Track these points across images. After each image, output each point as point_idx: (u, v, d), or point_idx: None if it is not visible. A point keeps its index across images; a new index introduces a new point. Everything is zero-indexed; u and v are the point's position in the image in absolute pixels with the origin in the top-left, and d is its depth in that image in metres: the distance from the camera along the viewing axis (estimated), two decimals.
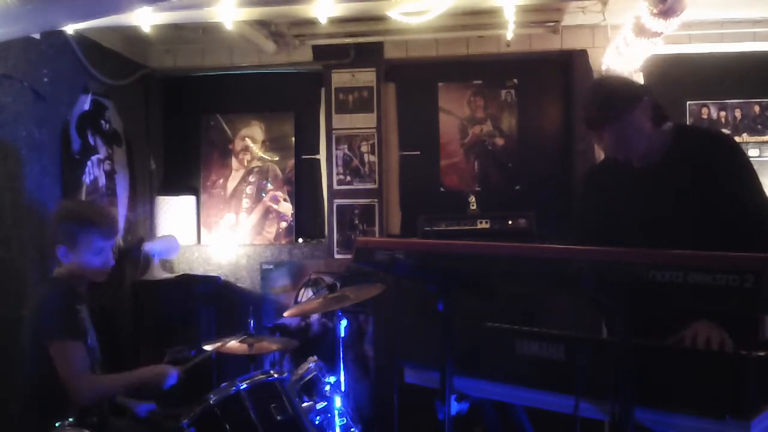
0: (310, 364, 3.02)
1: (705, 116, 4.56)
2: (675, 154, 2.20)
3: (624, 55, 3.86)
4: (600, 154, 4.43)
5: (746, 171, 2.17)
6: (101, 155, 4.02)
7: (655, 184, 2.22)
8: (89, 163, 3.88)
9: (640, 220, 2.22)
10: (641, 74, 4.35)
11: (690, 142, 2.22)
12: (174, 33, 4.19)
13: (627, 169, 2.28)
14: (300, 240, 4.69)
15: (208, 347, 3.16)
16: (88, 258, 2.51)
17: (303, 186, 4.76)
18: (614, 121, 2.15)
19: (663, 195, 2.20)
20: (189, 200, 4.72)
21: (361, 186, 4.57)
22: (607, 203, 2.34)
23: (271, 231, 4.72)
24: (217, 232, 4.74)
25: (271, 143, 4.78)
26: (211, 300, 4.37)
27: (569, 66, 4.54)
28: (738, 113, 4.54)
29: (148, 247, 4.37)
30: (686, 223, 2.13)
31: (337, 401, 3.02)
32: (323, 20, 3.59)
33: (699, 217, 2.12)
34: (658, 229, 2.17)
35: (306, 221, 4.75)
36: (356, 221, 4.56)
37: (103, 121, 4.07)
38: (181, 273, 4.58)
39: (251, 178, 4.77)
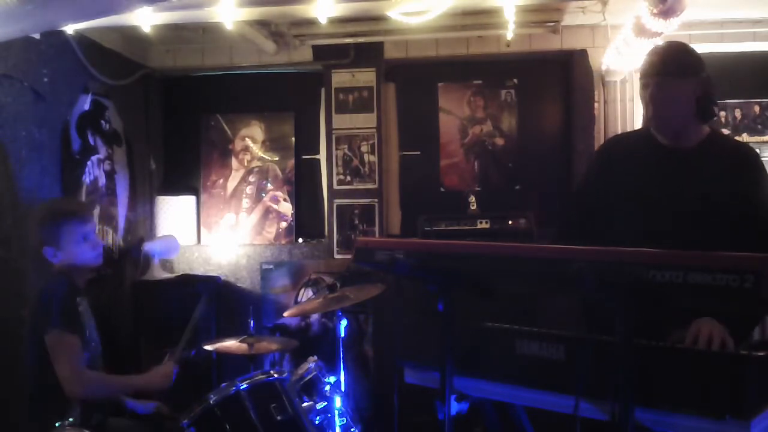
0: (310, 364, 3.02)
1: None
2: (706, 149, 2.23)
3: (624, 55, 3.86)
4: None
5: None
6: (101, 155, 4.02)
7: (679, 166, 2.22)
8: (89, 163, 3.88)
9: (654, 197, 2.22)
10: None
11: (720, 143, 2.27)
12: (174, 33, 4.19)
13: (653, 143, 2.28)
14: (300, 240, 4.69)
15: (208, 347, 3.16)
16: (76, 249, 2.51)
17: (303, 186, 4.76)
18: (674, 75, 2.16)
19: (685, 178, 2.20)
20: (189, 200, 4.72)
21: (361, 186, 4.57)
22: (621, 173, 2.32)
23: (271, 231, 4.72)
24: (217, 232, 4.74)
25: (271, 143, 4.78)
26: (211, 300, 4.36)
27: (569, 66, 4.54)
28: (738, 113, 4.54)
29: (148, 247, 4.37)
30: (696, 209, 2.14)
31: (337, 401, 3.02)
32: (323, 20, 3.59)
33: (711, 208, 2.13)
34: (665, 209, 2.18)
35: (306, 221, 4.75)
36: (356, 221, 4.56)
37: (103, 121, 4.07)
38: (181, 273, 4.58)
39: (251, 178, 4.77)
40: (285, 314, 3.36)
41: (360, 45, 4.45)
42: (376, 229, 4.54)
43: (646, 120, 2.32)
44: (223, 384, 2.63)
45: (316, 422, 2.86)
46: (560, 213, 2.53)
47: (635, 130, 2.47)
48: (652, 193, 2.24)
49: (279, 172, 4.76)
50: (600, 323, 1.55)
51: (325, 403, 2.95)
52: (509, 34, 4.12)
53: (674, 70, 2.18)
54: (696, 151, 2.23)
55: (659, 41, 3.47)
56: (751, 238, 2.06)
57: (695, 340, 1.86)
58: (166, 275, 4.43)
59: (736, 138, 4.22)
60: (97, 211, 3.92)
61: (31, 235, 2.59)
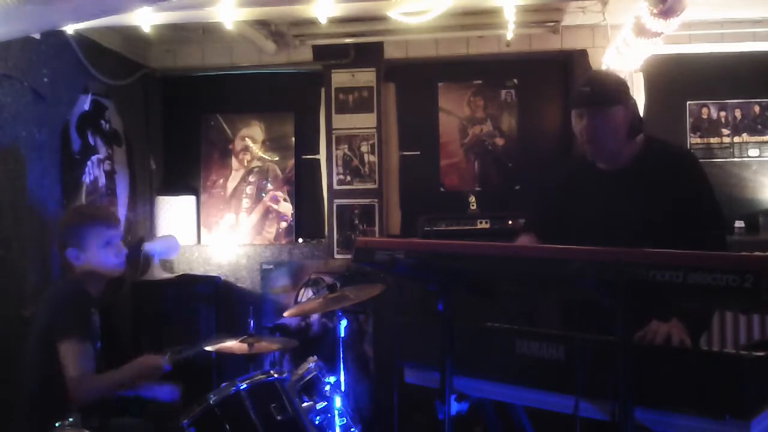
0: (310, 364, 3.02)
1: (705, 116, 4.56)
2: (643, 162, 2.30)
3: (624, 55, 3.86)
4: None
5: (706, 183, 2.29)
6: (101, 155, 4.02)
7: (619, 188, 2.29)
8: (89, 163, 3.88)
9: (600, 221, 2.27)
10: (641, 74, 4.36)
11: (658, 153, 2.32)
12: (174, 33, 4.19)
13: (592, 170, 2.37)
14: (300, 240, 4.69)
15: (208, 347, 3.16)
16: (98, 253, 2.54)
17: (303, 186, 4.76)
18: (601, 106, 2.24)
19: (626, 198, 2.27)
20: (189, 200, 4.72)
21: (361, 186, 4.57)
22: (568, 201, 2.41)
23: (271, 231, 4.72)
24: (217, 232, 4.74)
25: (271, 143, 4.78)
26: (211, 300, 4.36)
27: (569, 66, 4.54)
28: (738, 113, 4.54)
29: (148, 247, 4.36)
30: (643, 227, 2.19)
31: (337, 401, 3.01)
32: (323, 20, 3.59)
33: (657, 221, 2.19)
34: (617, 230, 2.21)
35: (306, 221, 4.75)
36: (356, 221, 4.56)
37: (103, 121, 4.07)
38: (181, 273, 4.58)
39: (251, 178, 4.77)
40: (285, 314, 3.36)
41: (360, 45, 4.45)
42: (376, 229, 4.54)
43: (582, 149, 2.38)
44: (223, 384, 2.62)
45: (316, 422, 2.86)
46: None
47: (575, 158, 2.55)
48: (596, 218, 2.29)
49: (279, 172, 4.76)
50: (581, 323, 1.56)
51: (325, 403, 2.94)
52: (509, 34, 4.12)
53: (606, 100, 2.24)
54: (631, 170, 2.30)
55: (659, 41, 3.48)
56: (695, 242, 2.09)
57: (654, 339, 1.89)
58: (166, 275, 4.43)
59: (740, 144, 4.28)
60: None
61: (57, 238, 2.62)
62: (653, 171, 2.26)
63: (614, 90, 2.27)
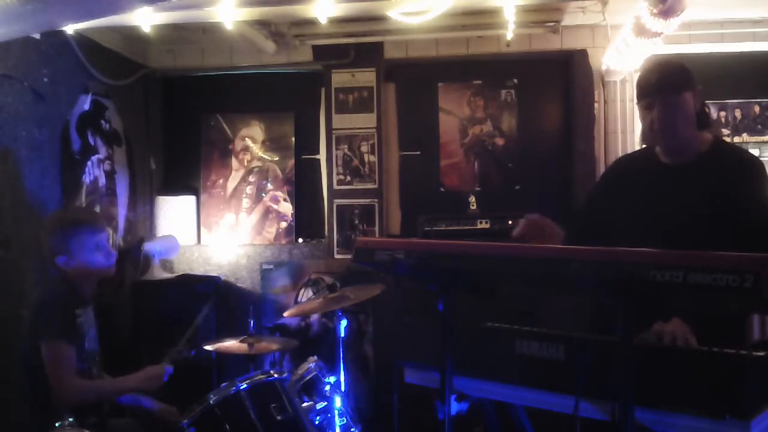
0: (310, 364, 3.02)
1: None
2: (707, 160, 2.24)
3: (624, 55, 3.86)
4: (599, 156, 4.45)
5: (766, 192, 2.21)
6: (101, 155, 4.02)
7: (680, 182, 2.24)
8: (89, 163, 3.88)
9: (655, 215, 2.24)
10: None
11: (723, 153, 2.26)
12: (174, 33, 4.19)
13: (655, 164, 2.31)
14: (300, 240, 4.69)
15: (208, 347, 3.16)
16: (88, 258, 2.53)
17: (303, 186, 4.76)
18: (671, 92, 2.17)
19: (685, 193, 2.22)
20: (189, 200, 4.72)
21: (361, 186, 4.57)
22: (625, 193, 2.36)
23: (271, 231, 4.72)
24: (217, 232, 4.74)
25: (271, 143, 4.78)
26: (211, 300, 4.36)
27: (569, 66, 4.54)
28: (738, 113, 4.54)
29: (148, 247, 4.36)
30: (699, 228, 2.14)
31: (337, 401, 3.02)
32: (323, 20, 3.59)
33: (707, 220, 2.14)
34: (668, 224, 2.18)
35: (306, 221, 4.75)
36: (356, 221, 4.56)
37: (103, 121, 4.07)
38: (181, 273, 4.58)
39: (251, 178, 4.77)
40: (285, 314, 3.36)
41: (360, 45, 4.45)
42: (376, 229, 4.54)
43: (653, 139, 2.32)
44: (223, 384, 2.63)
45: (316, 422, 2.86)
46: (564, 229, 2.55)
47: (639, 150, 2.52)
48: (652, 212, 2.25)
49: (279, 172, 4.76)
50: (606, 323, 1.55)
51: (325, 403, 2.95)
52: (509, 34, 4.12)
53: (675, 85, 2.19)
54: (695, 165, 2.25)
55: (659, 41, 3.48)
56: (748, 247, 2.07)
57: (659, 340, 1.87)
58: (166, 275, 4.43)
59: (740, 144, 4.28)
60: (97, 210, 3.92)
61: (43, 244, 2.59)
62: (716, 171, 2.20)
63: (681, 76, 2.21)
